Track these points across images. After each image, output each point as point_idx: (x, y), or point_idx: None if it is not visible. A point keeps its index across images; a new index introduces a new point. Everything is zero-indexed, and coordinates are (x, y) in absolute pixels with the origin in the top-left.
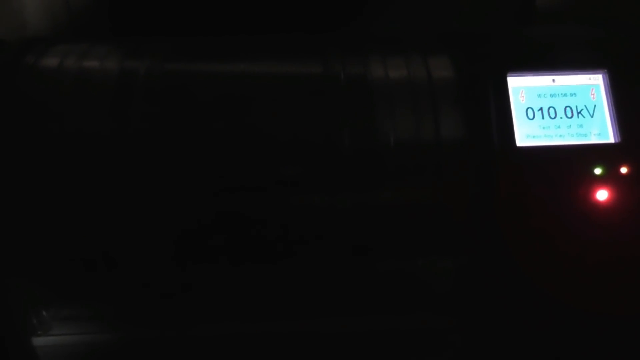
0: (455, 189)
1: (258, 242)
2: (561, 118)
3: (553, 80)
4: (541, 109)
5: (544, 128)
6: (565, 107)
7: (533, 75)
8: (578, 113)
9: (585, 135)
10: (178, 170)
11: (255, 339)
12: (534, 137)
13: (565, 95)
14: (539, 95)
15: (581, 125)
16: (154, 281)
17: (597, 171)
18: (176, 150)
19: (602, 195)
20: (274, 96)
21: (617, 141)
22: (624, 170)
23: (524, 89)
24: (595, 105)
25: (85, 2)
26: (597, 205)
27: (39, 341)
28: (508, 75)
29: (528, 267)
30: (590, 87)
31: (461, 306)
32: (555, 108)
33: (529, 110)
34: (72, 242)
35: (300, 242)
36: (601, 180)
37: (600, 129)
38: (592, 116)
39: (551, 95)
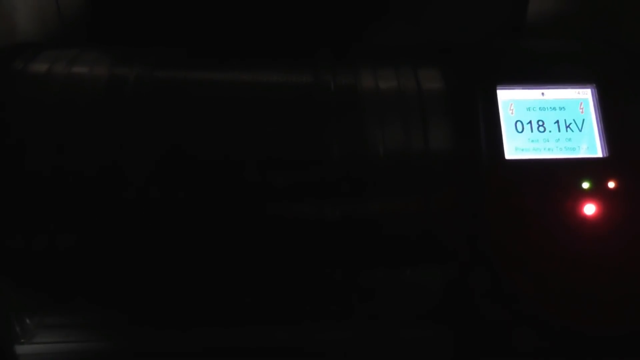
0: (443, 201)
1: (247, 252)
2: (550, 132)
3: (542, 94)
4: (530, 122)
5: (532, 141)
6: (554, 121)
7: (522, 89)
8: (567, 127)
9: (574, 149)
10: (167, 175)
11: (246, 345)
12: (522, 150)
13: (554, 109)
14: (528, 109)
15: (570, 139)
16: (138, 290)
17: (585, 185)
18: (164, 157)
19: (589, 209)
20: (263, 105)
21: (605, 156)
22: (611, 184)
23: (514, 102)
24: (583, 120)
25: (76, 9)
26: (584, 219)
27: (22, 349)
28: (498, 88)
29: (515, 279)
30: (579, 101)
31: (448, 318)
32: (544, 121)
33: (518, 123)
34: (58, 246)
35: (288, 252)
36: (589, 195)
37: (589, 143)
38: (580, 130)
39: (540, 109)
